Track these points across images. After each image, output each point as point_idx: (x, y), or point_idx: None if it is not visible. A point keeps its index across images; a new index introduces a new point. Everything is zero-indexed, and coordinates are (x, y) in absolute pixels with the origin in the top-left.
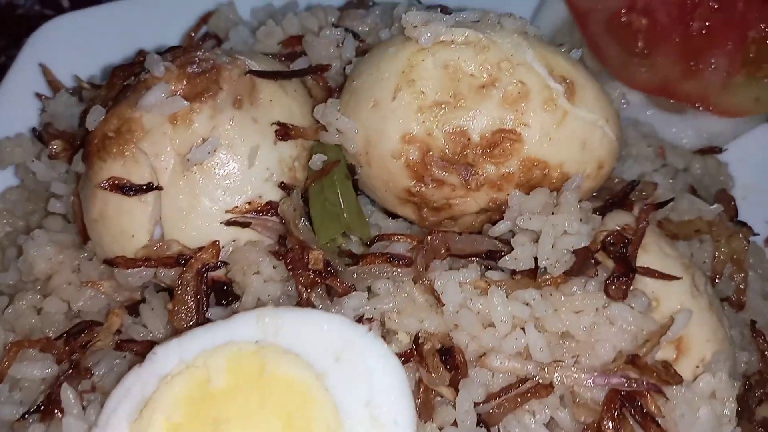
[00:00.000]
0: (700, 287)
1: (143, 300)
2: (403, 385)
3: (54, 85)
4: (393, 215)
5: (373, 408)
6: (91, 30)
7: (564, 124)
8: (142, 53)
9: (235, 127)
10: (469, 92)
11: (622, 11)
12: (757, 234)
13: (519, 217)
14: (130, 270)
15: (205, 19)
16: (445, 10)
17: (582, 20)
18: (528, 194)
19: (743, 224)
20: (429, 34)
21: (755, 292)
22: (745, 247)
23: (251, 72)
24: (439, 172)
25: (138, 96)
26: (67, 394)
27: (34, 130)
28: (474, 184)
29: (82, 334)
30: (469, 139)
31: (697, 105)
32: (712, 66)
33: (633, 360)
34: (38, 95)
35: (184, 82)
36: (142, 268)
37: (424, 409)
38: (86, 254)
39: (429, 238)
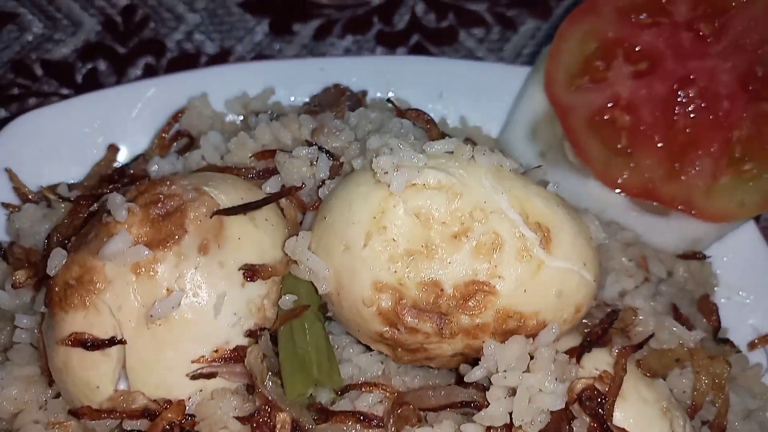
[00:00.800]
0: (677, 429)
1: None
2: None
3: (20, 192)
4: (368, 346)
5: None
6: (60, 126)
7: (539, 275)
8: (113, 147)
9: (201, 274)
10: (441, 241)
11: (605, 108)
12: (739, 351)
13: (495, 374)
14: (95, 421)
15: (175, 117)
16: (421, 117)
17: (563, 115)
18: (503, 342)
19: (725, 341)
20: (400, 180)
21: (736, 414)
22: (727, 370)
23: (219, 212)
24: (412, 320)
25: (100, 243)
26: None
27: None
28: (448, 332)
29: None
30: (441, 290)
31: (680, 208)
32: (697, 167)
33: None
34: (4, 205)
35: (147, 228)
36: (107, 419)
37: None
38: (53, 391)
39: (401, 409)
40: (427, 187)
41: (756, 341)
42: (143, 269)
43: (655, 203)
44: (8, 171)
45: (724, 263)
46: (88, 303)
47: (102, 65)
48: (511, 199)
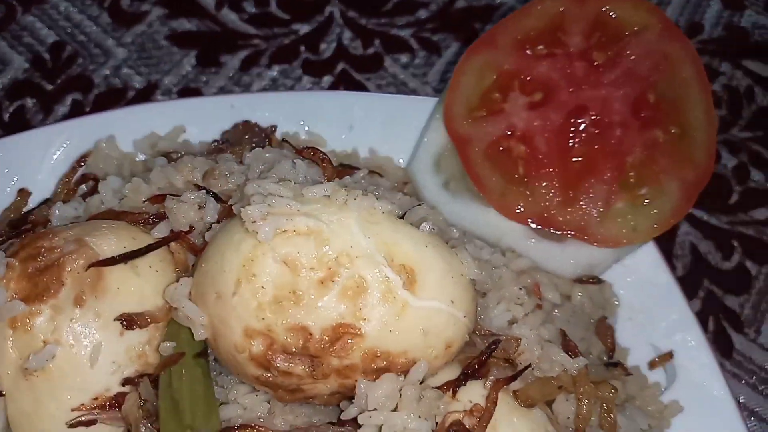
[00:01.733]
0: None
1: None
2: None
3: None
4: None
5: None
6: None
7: (404, 315)
8: (24, 191)
9: (77, 326)
10: (309, 287)
11: (502, 138)
12: (634, 367)
13: (364, 412)
14: None
15: (80, 161)
16: (316, 155)
17: (462, 147)
18: (375, 380)
19: (616, 365)
20: (267, 229)
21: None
22: (614, 395)
23: (96, 264)
24: (283, 364)
25: None
26: None
27: None
28: (320, 374)
29: None
30: (310, 334)
31: (575, 235)
32: (591, 194)
33: None
34: None
35: (24, 282)
36: None
37: None
38: None
39: None
40: (297, 233)
41: (656, 360)
42: (19, 323)
43: (550, 231)
44: None
45: (626, 284)
46: None
47: (29, 102)
48: (378, 243)
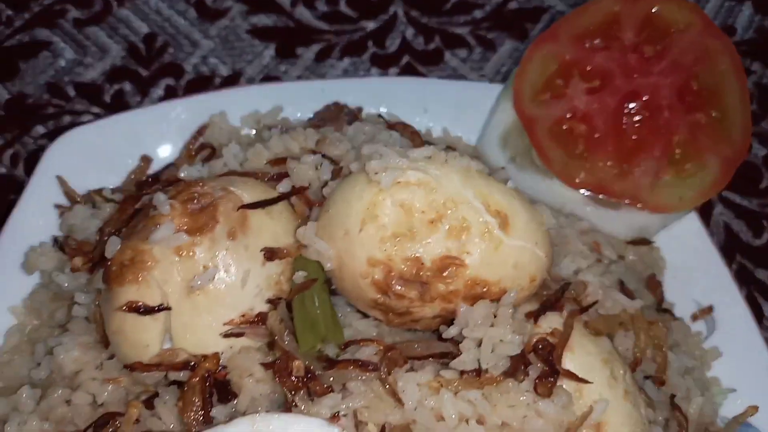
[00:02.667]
0: (618, 378)
1: (157, 394)
2: None
3: (70, 195)
4: (365, 314)
5: None
6: (100, 139)
7: (499, 251)
8: (145, 158)
9: (230, 255)
10: (421, 226)
11: (564, 119)
12: (679, 318)
13: (465, 328)
14: (145, 373)
15: (200, 132)
16: (407, 129)
17: (528, 125)
18: (472, 305)
19: (665, 311)
20: (387, 179)
21: (675, 370)
22: (665, 333)
23: (243, 206)
24: (399, 288)
25: (148, 231)
26: None
27: (55, 240)
28: (428, 297)
29: (107, 425)
30: (422, 264)
31: (629, 202)
32: (642, 168)
33: None
34: (57, 206)
35: (186, 219)
36: (155, 372)
37: None
38: (107, 354)
39: (390, 354)
40: (410, 184)
41: (697, 313)
42: (184, 251)
43: (607, 198)
44: (59, 178)
45: (672, 248)
46: (140, 278)
47: (127, 86)
48: (476, 192)
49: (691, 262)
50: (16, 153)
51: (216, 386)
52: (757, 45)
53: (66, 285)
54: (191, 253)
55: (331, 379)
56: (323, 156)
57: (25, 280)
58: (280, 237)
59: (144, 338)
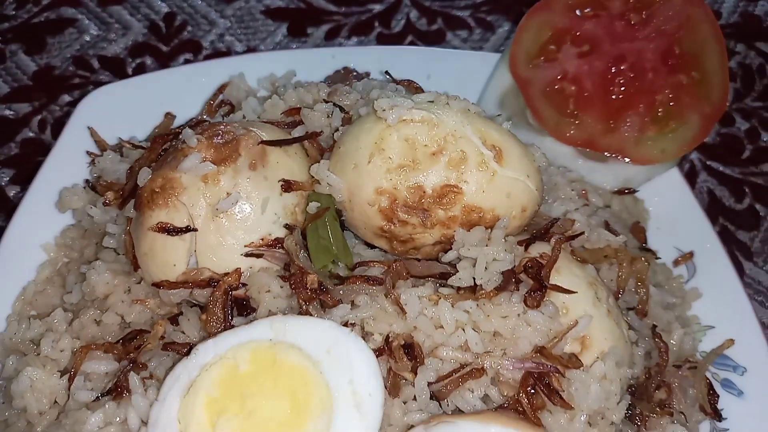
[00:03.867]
0: (601, 299)
1: (181, 313)
2: (376, 370)
3: (100, 144)
4: (371, 246)
5: (354, 385)
6: (127, 97)
7: (493, 180)
8: (169, 114)
9: (251, 184)
10: (424, 158)
11: (556, 80)
12: (660, 258)
13: (462, 248)
14: (172, 291)
15: (221, 89)
16: (411, 85)
17: (523, 87)
18: (469, 231)
19: (648, 250)
20: (394, 116)
21: (657, 304)
22: (647, 267)
23: (262, 142)
24: (403, 215)
25: (177, 161)
26: (134, 378)
27: (87, 181)
28: (429, 223)
29: (135, 339)
30: (424, 192)
31: (615, 155)
32: (628, 124)
33: (541, 350)
34: (88, 153)
35: (212, 151)
36: (181, 289)
37: (393, 389)
38: (135, 279)
39: (394, 264)
40: (414, 121)
41: (679, 259)
42: (210, 179)
43: (595, 152)
44: (90, 129)
45: (656, 202)
46: (169, 203)
47: (148, 60)
48: (474, 129)
49: (674, 213)
50: (44, 119)
51: (236, 302)
52: (741, 28)
53: (97, 218)
54: (216, 181)
55: (341, 293)
56: (334, 104)
57: (57, 219)
58: (296, 173)
59: (172, 258)
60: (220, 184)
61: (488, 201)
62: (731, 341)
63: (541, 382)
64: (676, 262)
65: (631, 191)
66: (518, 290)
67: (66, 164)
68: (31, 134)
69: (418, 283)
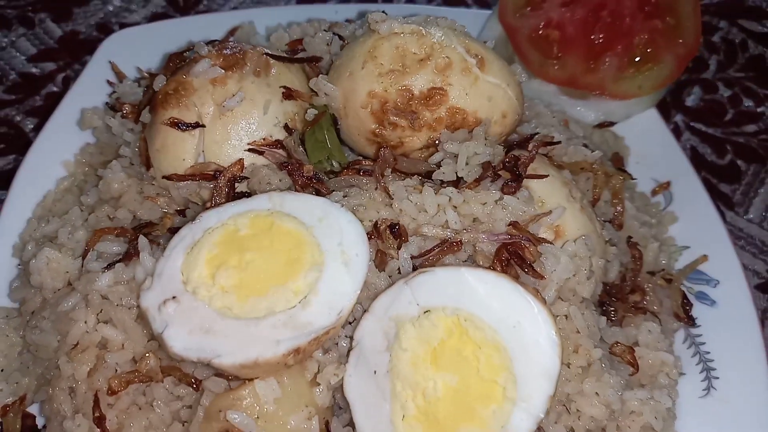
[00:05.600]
0: (576, 198)
1: (188, 207)
2: (363, 236)
3: (120, 75)
4: (365, 157)
5: (343, 247)
6: (145, 40)
7: (476, 85)
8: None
9: (255, 87)
10: (412, 64)
11: (541, 27)
12: (636, 181)
13: (445, 144)
14: (181, 183)
15: (232, 32)
16: None
17: (511, 34)
18: (453, 132)
19: (624, 171)
20: (386, 27)
21: (633, 219)
22: (622, 182)
23: (266, 54)
24: (393, 117)
25: (189, 68)
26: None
27: (107, 103)
28: (417, 125)
29: (145, 228)
30: (412, 94)
31: (595, 92)
32: (607, 64)
33: (514, 224)
34: (109, 82)
35: (221, 59)
36: (189, 182)
37: (380, 264)
38: (147, 181)
39: (382, 150)
40: (404, 33)
41: (657, 189)
42: (218, 82)
43: (577, 90)
44: (111, 62)
45: (635, 140)
46: (181, 103)
47: None
48: (459, 41)
49: (652, 149)
50: (67, 76)
51: (238, 196)
52: (725, 7)
53: (115, 128)
54: (224, 84)
55: (335, 184)
56: (334, 33)
57: (78, 140)
58: (297, 86)
59: (182, 152)
60: (227, 87)
61: (471, 104)
62: (705, 257)
63: (514, 254)
64: (654, 192)
65: (610, 124)
66: (496, 180)
67: (88, 93)
68: (54, 89)
69: (405, 178)
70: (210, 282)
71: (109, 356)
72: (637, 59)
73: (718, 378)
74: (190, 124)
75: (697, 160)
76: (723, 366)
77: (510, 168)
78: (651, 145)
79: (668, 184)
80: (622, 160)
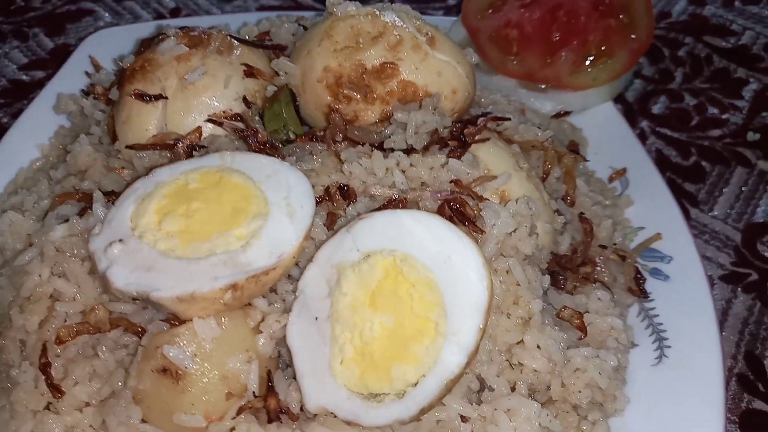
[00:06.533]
0: (523, 168)
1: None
2: (310, 192)
3: (98, 67)
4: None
5: (289, 200)
6: (126, 39)
7: (426, 60)
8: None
9: (218, 64)
10: (366, 41)
11: (501, 28)
12: (587, 160)
13: (396, 114)
14: (143, 153)
15: None
16: None
17: (473, 35)
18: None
19: (576, 152)
20: (342, 8)
21: (585, 197)
22: (573, 160)
23: (230, 36)
24: (348, 91)
25: (156, 47)
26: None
27: (82, 90)
28: (370, 98)
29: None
30: (365, 69)
31: (552, 85)
32: (563, 60)
33: (456, 182)
34: (87, 73)
35: (187, 39)
36: (151, 150)
37: (330, 224)
38: (114, 151)
39: (333, 116)
40: (360, 14)
41: (613, 175)
42: (182, 59)
43: (535, 83)
44: (90, 57)
45: (593, 133)
46: (146, 78)
47: None
48: (410, 21)
49: (609, 139)
50: None
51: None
52: (690, 25)
53: (87, 108)
54: (188, 60)
55: (290, 151)
56: (300, 25)
57: (54, 124)
58: (259, 66)
59: (145, 123)
60: (191, 63)
61: (422, 78)
62: (659, 235)
63: (456, 211)
64: (611, 178)
65: (566, 113)
66: (444, 148)
67: (67, 85)
68: None
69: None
70: (156, 228)
71: (59, 306)
72: (592, 57)
73: (670, 347)
74: (154, 95)
75: (662, 162)
76: (675, 334)
77: (456, 136)
78: (608, 136)
79: (624, 170)
80: (577, 147)
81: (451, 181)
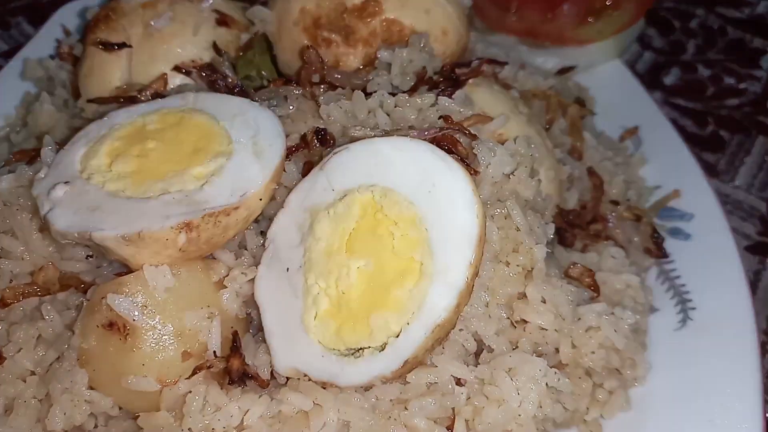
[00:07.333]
0: (523, 112)
1: None
2: (280, 131)
3: (67, 32)
4: None
5: (257, 139)
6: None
7: None
8: None
9: (186, 10)
10: None
11: None
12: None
13: (380, 53)
14: (105, 106)
15: None
16: None
17: None
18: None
19: (582, 103)
20: None
21: (594, 151)
22: (578, 110)
23: None
24: (327, 33)
25: None
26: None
27: (51, 55)
28: (351, 40)
29: None
30: (345, 7)
31: (554, 42)
32: (565, 15)
33: (444, 117)
34: (57, 40)
35: None
36: (114, 104)
37: (306, 171)
38: (76, 110)
39: (308, 53)
40: None
41: (625, 134)
42: (148, 5)
43: (536, 40)
44: (62, 26)
45: (599, 89)
46: (110, 26)
47: None
48: None
49: (619, 99)
50: None
51: None
52: None
53: (52, 69)
54: (154, 7)
55: (263, 96)
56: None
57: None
58: (233, 15)
59: (108, 75)
60: (158, 9)
61: (407, 16)
62: (677, 192)
63: (446, 149)
64: (622, 137)
65: (571, 68)
66: (434, 89)
67: (41, 49)
68: None
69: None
70: (107, 169)
71: (4, 264)
72: (597, 9)
73: (695, 308)
74: (117, 44)
75: (678, 132)
76: (700, 295)
77: (447, 75)
78: (618, 95)
79: (636, 129)
80: (583, 102)
81: (441, 117)
